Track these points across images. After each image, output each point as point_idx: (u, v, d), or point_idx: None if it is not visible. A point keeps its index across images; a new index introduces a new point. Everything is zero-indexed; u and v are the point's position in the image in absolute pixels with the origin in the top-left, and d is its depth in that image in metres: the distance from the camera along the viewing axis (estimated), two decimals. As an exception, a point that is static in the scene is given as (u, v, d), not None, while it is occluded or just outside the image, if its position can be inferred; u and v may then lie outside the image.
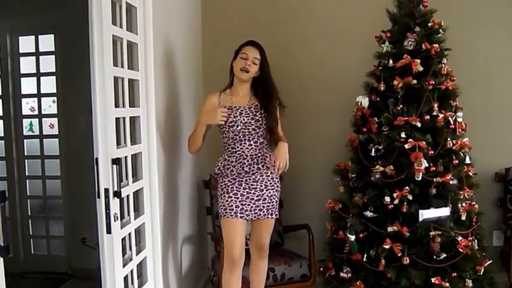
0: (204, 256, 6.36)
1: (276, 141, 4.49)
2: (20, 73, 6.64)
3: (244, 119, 4.43)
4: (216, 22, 6.35)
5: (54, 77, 6.59)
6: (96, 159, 3.46)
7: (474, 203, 5.05)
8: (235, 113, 4.44)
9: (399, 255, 4.72)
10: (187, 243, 5.55)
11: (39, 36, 6.65)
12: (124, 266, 3.62)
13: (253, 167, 4.42)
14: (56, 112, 6.68)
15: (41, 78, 6.70)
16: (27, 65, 6.68)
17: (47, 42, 6.58)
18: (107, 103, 3.39)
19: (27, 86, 6.71)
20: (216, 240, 5.51)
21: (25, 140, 6.76)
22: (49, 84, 6.65)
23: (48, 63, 6.60)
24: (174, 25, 5.10)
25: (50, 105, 6.82)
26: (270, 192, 4.49)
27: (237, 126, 4.42)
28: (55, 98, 6.68)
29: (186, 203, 5.50)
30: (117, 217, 3.49)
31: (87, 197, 6.20)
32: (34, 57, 6.65)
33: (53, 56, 6.56)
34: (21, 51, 6.66)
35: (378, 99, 5.17)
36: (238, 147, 4.45)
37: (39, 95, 6.71)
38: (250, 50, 4.48)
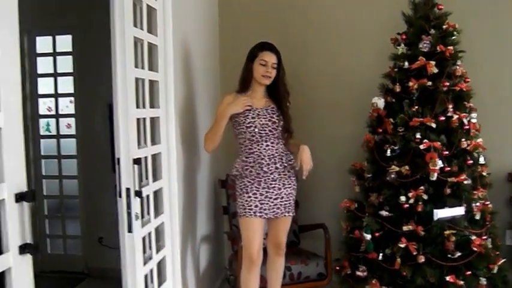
0: (221, 256, 6.39)
1: (291, 132, 4.64)
2: (37, 73, 6.69)
3: (262, 121, 4.50)
4: (232, 22, 6.40)
5: (71, 78, 6.66)
6: (118, 159, 3.44)
7: (488, 202, 5.07)
8: (253, 114, 4.50)
9: (414, 254, 4.73)
10: (204, 243, 5.58)
11: (57, 37, 6.71)
12: (144, 264, 3.67)
13: (271, 167, 4.49)
14: (73, 112, 6.74)
15: (58, 78, 6.76)
16: (44, 65, 6.74)
17: (65, 42, 6.64)
18: (129, 104, 3.43)
19: (45, 86, 6.77)
20: (233, 240, 5.57)
21: (42, 140, 6.82)
22: (66, 85, 6.70)
23: (66, 64, 6.66)
24: (191, 26, 5.14)
25: (67, 106, 6.88)
26: (287, 191, 4.57)
27: (255, 127, 4.48)
28: (72, 98, 6.73)
29: (203, 203, 5.54)
30: (138, 216, 3.52)
31: (103, 197, 6.28)
32: (51, 58, 6.71)
33: (70, 57, 6.63)
34: (38, 51, 6.71)
35: (394, 100, 5.20)
36: (255, 147, 4.51)
37: (56, 95, 6.77)
38: (269, 56, 4.53)
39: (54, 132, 6.89)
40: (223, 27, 6.40)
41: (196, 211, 5.28)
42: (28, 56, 6.63)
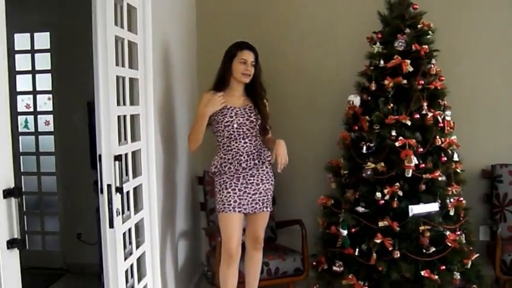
0: (198, 252, 6.43)
1: (267, 130, 4.72)
2: (15, 70, 6.66)
3: (239, 120, 4.57)
4: (209, 21, 6.42)
5: (49, 75, 6.67)
6: (100, 155, 3.48)
7: (462, 198, 5.17)
8: (231, 113, 4.57)
9: (390, 249, 4.82)
10: (182, 239, 5.62)
11: (35, 34, 6.72)
12: (125, 259, 3.70)
13: (250, 163, 4.56)
14: (51, 109, 6.76)
15: (37, 75, 6.77)
16: (22, 62, 6.73)
17: (43, 40, 6.66)
18: (110, 101, 3.47)
19: (23, 83, 6.77)
20: (211, 236, 5.64)
21: (20, 137, 6.82)
22: (44, 82, 6.71)
23: (44, 61, 6.67)
24: (170, 25, 5.18)
25: (45, 102, 6.90)
26: (265, 186, 4.65)
27: (233, 126, 4.55)
28: (50, 96, 6.75)
29: (181, 199, 5.58)
30: (119, 212, 3.56)
31: (82, 193, 6.30)
32: (29, 55, 6.72)
33: (49, 54, 6.65)
34: (16, 48, 6.71)
35: (369, 98, 5.27)
36: (233, 145, 4.57)
37: (34, 92, 6.78)
38: (248, 54, 4.60)
39: (32, 129, 6.90)
40: (200, 26, 6.42)
41: (175, 207, 5.32)
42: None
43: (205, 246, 6.26)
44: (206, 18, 6.43)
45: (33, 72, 6.77)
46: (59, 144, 6.74)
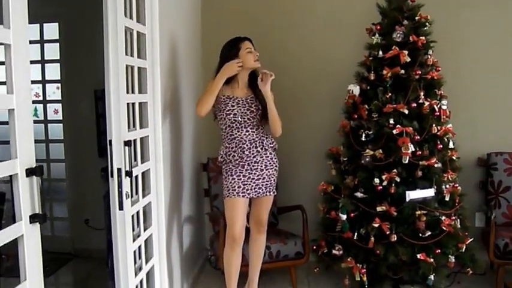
0: (202, 237, 6.57)
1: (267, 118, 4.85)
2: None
3: (241, 109, 4.73)
4: (214, 13, 6.54)
5: (58, 65, 6.79)
6: (110, 141, 3.59)
7: (457, 185, 5.31)
8: (232, 103, 4.74)
9: (387, 233, 4.96)
10: (187, 224, 5.75)
11: (44, 25, 6.86)
12: (133, 241, 3.86)
13: (253, 151, 4.73)
14: (60, 98, 6.90)
15: (46, 65, 6.90)
16: (32, 52, 6.84)
17: (52, 30, 6.78)
18: (120, 90, 3.59)
19: (32, 72, 6.87)
20: (214, 221, 5.81)
21: (30, 125, 6.94)
22: (53, 71, 6.83)
23: (53, 51, 6.79)
24: (176, 17, 5.29)
25: (54, 92, 7.06)
26: (269, 172, 4.81)
27: (234, 115, 4.71)
28: (59, 85, 6.89)
29: (187, 185, 5.70)
30: (129, 195, 3.71)
31: (90, 180, 6.45)
32: (39, 45, 6.83)
33: (57, 44, 6.77)
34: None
35: (368, 87, 5.41)
36: (236, 134, 4.74)
37: (43, 82, 6.92)
38: (250, 44, 4.80)
39: (42, 118, 7.02)
40: (205, 17, 6.56)
41: (181, 193, 5.43)
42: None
43: (209, 232, 6.40)
44: (211, 10, 6.56)
45: (43, 62, 6.90)
46: (67, 132, 6.86)
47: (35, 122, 6.92)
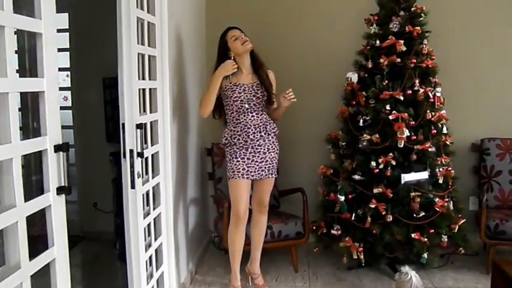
0: (206, 219, 6.77)
1: (273, 102, 5.13)
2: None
3: (247, 96, 4.94)
4: (217, 5, 6.74)
5: (67, 53, 6.96)
6: (123, 124, 3.80)
7: (450, 168, 5.50)
8: (239, 90, 4.95)
9: (383, 213, 5.18)
10: (192, 205, 5.93)
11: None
12: (144, 218, 4.08)
13: (257, 135, 4.93)
14: (69, 86, 7.07)
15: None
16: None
17: (62, 20, 6.93)
18: (132, 76, 3.80)
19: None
20: (218, 202, 6.04)
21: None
22: (63, 60, 6.96)
23: (62, 40, 6.92)
24: (182, 8, 5.45)
25: (64, 79, 7.26)
26: (271, 155, 5.02)
27: (241, 101, 4.93)
28: (68, 73, 7.06)
29: (192, 168, 5.88)
30: (140, 175, 3.92)
31: (98, 165, 6.64)
32: (49, 34, 6.99)
33: (67, 34, 6.92)
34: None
35: (366, 75, 5.62)
36: (242, 118, 4.95)
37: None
38: (235, 31, 4.99)
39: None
40: (209, 10, 6.76)
41: (186, 175, 5.62)
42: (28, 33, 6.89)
43: (212, 214, 6.62)
44: (215, 4, 6.75)
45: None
46: (76, 118, 7.02)
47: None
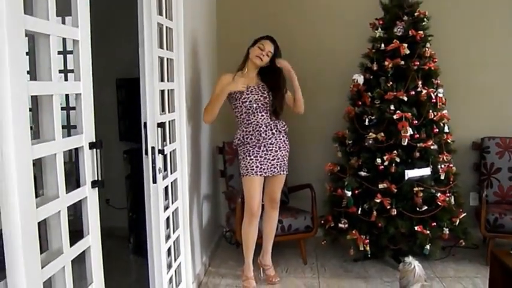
0: (217, 215, 6.97)
1: (278, 114, 5.28)
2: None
3: (255, 96, 5.17)
4: (227, 12, 6.94)
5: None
6: (145, 123, 4.02)
7: (452, 165, 5.71)
8: (247, 92, 5.17)
9: (388, 207, 5.37)
10: (205, 201, 6.13)
11: (66, 18, 7.18)
12: (165, 210, 4.30)
13: (269, 133, 5.16)
14: (83, 87, 7.21)
15: (68, 55, 7.15)
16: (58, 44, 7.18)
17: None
18: (154, 78, 4.02)
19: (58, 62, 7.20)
20: (230, 198, 6.24)
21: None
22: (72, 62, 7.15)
23: None
24: (195, 14, 5.61)
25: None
26: (282, 153, 5.26)
27: (250, 102, 5.15)
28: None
29: (205, 166, 6.08)
30: (161, 170, 4.14)
31: (111, 162, 6.83)
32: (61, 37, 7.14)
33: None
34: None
35: (371, 77, 5.80)
36: (252, 118, 5.18)
37: (65, 71, 7.10)
38: (268, 44, 5.18)
39: (64, 104, 7.25)
40: (220, 16, 6.94)
41: (200, 172, 5.81)
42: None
43: (224, 210, 6.84)
44: (224, 8, 6.94)
45: (65, 53, 7.15)
46: None
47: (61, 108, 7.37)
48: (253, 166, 5.14)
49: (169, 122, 4.51)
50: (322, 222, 5.98)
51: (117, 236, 6.73)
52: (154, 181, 4.09)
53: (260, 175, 5.17)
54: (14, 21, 2.01)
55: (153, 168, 4.07)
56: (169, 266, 4.47)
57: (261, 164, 5.15)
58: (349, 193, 5.55)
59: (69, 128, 7.34)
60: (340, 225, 5.69)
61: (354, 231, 5.56)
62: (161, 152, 4.13)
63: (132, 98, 4.83)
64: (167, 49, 4.46)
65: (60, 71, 2.63)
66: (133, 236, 6.52)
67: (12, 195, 2.00)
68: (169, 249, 4.49)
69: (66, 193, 2.57)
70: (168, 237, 4.46)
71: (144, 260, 4.30)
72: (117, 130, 7.01)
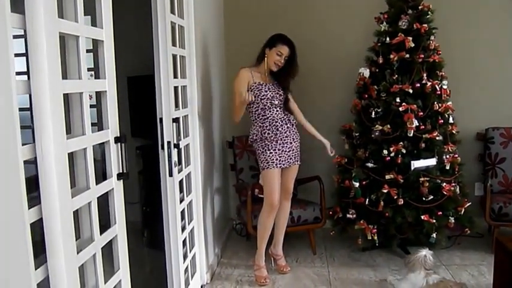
0: (227, 208, 7.10)
1: (289, 108, 5.47)
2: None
3: (271, 93, 5.29)
4: (235, 9, 7.02)
5: (91, 54, 7.27)
6: (161, 118, 4.17)
7: (457, 155, 5.81)
8: (266, 89, 5.30)
9: (395, 197, 5.49)
10: (216, 195, 6.25)
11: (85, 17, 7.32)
12: (180, 202, 4.45)
13: (284, 127, 5.32)
14: (93, 85, 7.34)
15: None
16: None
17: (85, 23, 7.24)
18: (169, 75, 4.17)
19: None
20: (240, 191, 6.38)
21: (68, 109, 7.39)
22: (87, 61, 7.27)
23: (87, 42, 7.23)
24: (204, 14, 5.70)
25: (88, 78, 7.55)
26: (296, 144, 5.42)
27: (267, 99, 5.27)
28: (92, 72, 7.38)
29: (216, 160, 6.22)
30: (177, 163, 4.29)
31: (123, 158, 6.95)
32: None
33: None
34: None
35: (377, 70, 5.90)
36: (268, 114, 5.31)
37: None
38: (286, 50, 5.26)
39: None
40: (227, 15, 7.02)
41: (212, 166, 5.95)
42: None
43: (233, 203, 7.01)
44: (232, 7, 7.03)
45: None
46: (100, 116, 7.22)
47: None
48: (273, 159, 5.27)
49: (182, 117, 4.65)
50: (331, 213, 6.10)
51: (131, 230, 6.75)
52: (171, 174, 4.24)
53: (280, 167, 5.31)
54: (51, 25, 2.16)
55: (169, 161, 4.21)
56: (184, 257, 4.61)
57: (279, 157, 5.29)
58: (356, 184, 5.66)
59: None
60: (348, 215, 5.81)
61: (361, 222, 5.68)
62: (176, 146, 4.27)
63: (144, 95, 4.99)
64: (180, 47, 4.59)
65: (88, 69, 2.77)
66: (148, 229, 6.63)
67: (52, 185, 2.15)
68: (184, 240, 4.63)
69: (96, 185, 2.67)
70: (183, 228, 4.60)
71: (159, 252, 4.44)
72: (129, 127, 7.10)
